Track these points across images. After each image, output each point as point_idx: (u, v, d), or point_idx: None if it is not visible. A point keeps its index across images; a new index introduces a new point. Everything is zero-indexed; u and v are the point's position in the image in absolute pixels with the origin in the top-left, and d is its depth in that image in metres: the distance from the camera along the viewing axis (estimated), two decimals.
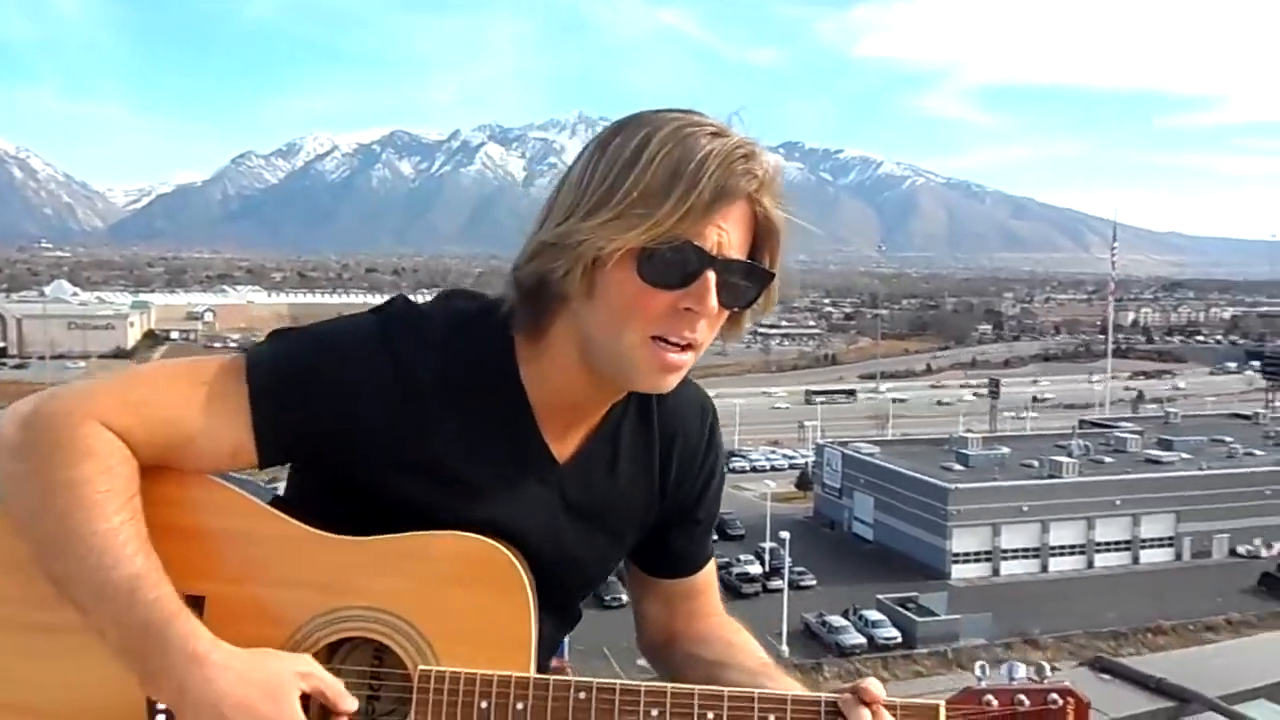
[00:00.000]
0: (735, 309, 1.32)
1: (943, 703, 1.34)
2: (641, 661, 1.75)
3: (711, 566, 1.65)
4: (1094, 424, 73.76)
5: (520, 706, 1.26)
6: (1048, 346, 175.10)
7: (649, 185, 1.24)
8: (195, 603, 1.24)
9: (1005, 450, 58.54)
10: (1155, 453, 58.87)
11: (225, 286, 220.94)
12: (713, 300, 1.27)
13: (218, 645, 1.17)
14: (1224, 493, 53.28)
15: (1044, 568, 50.98)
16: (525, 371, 1.37)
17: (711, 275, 1.27)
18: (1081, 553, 52.04)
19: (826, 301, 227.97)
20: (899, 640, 39.19)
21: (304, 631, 1.29)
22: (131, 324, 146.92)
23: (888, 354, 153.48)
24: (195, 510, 1.29)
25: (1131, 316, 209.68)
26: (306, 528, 1.29)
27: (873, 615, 40.95)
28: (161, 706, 1.23)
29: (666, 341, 1.29)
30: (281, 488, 1.45)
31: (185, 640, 1.16)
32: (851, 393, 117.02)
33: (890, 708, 1.29)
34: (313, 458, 1.33)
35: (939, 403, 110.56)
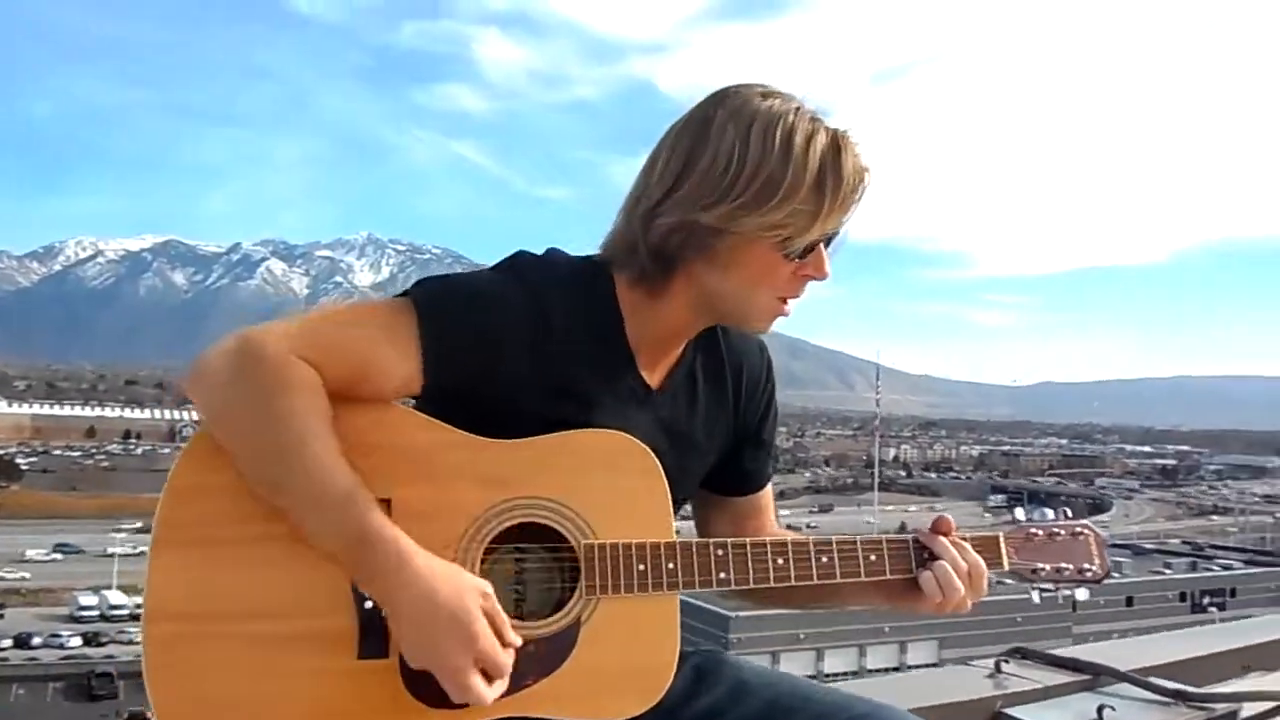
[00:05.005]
0: None
1: (1002, 533, 1.70)
2: None
3: (770, 487, 1.85)
4: None
5: (670, 566, 1.48)
6: (819, 478, 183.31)
7: (808, 182, 1.46)
8: (383, 505, 1.38)
9: None
10: None
11: None
12: (828, 268, 1.55)
13: (420, 551, 1.35)
14: (981, 619, 56.34)
15: None
16: (625, 313, 1.58)
17: (823, 247, 1.54)
18: (856, 678, 53.41)
19: None
20: None
21: (481, 520, 1.45)
22: None
23: None
24: (376, 428, 1.44)
25: (893, 452, 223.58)
26: (469, 434, 1.46)
27: None
28: (368, 596, 1.38)
29: (786, 299, 1.57)
30: None
31: (394, 543, 1.34)
32: None
33: (961, 538, 1.63)
34: (464, 386, 1.47)
35: None
